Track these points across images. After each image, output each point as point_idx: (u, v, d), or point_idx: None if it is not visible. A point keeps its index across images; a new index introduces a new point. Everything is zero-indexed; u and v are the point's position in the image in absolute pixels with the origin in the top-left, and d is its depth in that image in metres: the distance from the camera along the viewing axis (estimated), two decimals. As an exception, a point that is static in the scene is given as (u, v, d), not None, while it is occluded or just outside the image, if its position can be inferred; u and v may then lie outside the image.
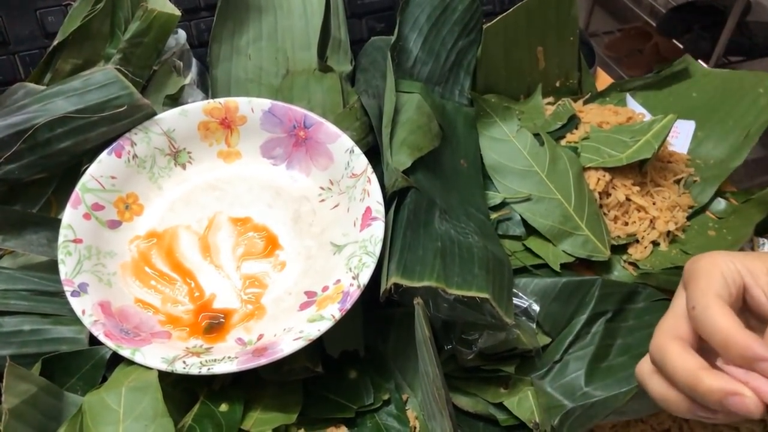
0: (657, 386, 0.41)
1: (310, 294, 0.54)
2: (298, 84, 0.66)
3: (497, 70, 0.74)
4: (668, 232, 0.66)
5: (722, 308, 0.38)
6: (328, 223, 0.58)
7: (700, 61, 1.61)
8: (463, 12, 0.71)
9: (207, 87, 0.66)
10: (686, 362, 0.38)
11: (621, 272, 0.64)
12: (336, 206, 0.59)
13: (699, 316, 0.39)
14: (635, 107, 0.78)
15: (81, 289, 0.51)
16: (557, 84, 0.79)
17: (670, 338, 0.40)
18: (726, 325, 0.37)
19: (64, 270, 0.52)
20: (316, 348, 0.53)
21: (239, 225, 0.58)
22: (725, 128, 0.73)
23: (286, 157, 0.61)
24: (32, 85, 0.61)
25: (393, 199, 0.57)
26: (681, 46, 1.87)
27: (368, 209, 0.55)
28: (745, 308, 0.41)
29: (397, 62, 0.66)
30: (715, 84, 0.77)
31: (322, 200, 0.59)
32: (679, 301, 0.42)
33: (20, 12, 0.64)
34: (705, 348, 0.40)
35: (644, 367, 0.43)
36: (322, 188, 0.60)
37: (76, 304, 0.51)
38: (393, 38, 0.67)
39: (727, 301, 0.39)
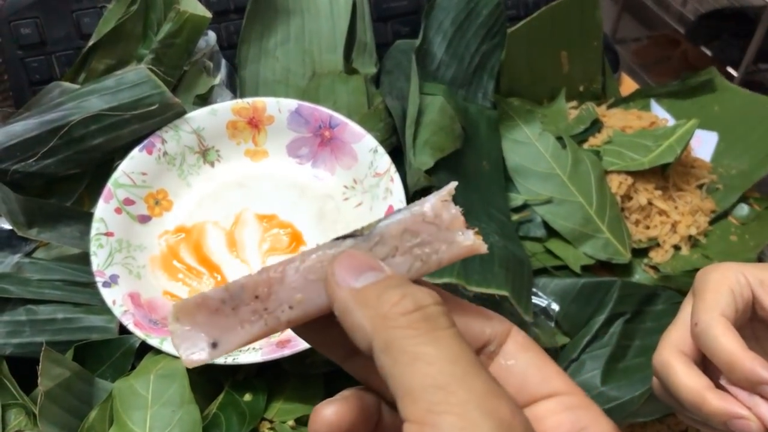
0: (668, 399, 0.41)
1: (332, 289, 0.55)
2: (324, 85, 0.68)
3: (521, 73, 0.75)
4: (690, 237, 0.66)
5: (726, 328, 0.38)
6: (352, 221, 0.59)
7: (729, 68, 1.60)
8: (488, 16, 0.72)
9: (235, 87, 0.68)
10: (691, 381, 0.38)
11: (642, 275, 0.64)
12: (359, 204, 0.60)
13: (702, 335, 0.38)
14: (659, 112, 0.79)
15: (112, 281, 0.53)
16: (581, 88, 0.79)
17: (674, 354, 0.40)
18: (730, 347, 0.37)
19: (96, 262, 0.54)
20: (338, 342, 0.54)
21: (265, 222, 0.59)
22: (747, 143, 0.73)
23: (312, 156, 0.63)
24: (67, 84, 0.63)
25: (415, 198, 0.58)
26: (710, 54, 1.86)
27: (390, 208, 0.56)
28: (754, 317, 0.41)
29: (421, 65, 0.67)
30: (736, 101, 0.77)
31: (346, 198, 0.61)
32: (686, 311, 0.42)
33: (57, 14, 0.67)
34: (708, 361, 0.40)
35: (655, 382, 0.43)
36: (346, 187, 0.61)
37: (107, 294, 0.52)
38: (418, 41, 0.68)
39: (732, 317, 0.39)
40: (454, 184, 0.25)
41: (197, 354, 0.24)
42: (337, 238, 0.25)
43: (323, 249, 0.24)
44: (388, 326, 0.21)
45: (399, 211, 0.25)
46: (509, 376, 0.25)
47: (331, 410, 0.24)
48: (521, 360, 0.25)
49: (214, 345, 0.24)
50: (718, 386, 0.38)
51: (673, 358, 0.40)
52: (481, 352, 0.26)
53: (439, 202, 0.25)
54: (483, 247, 0.25)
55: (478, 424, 0.19)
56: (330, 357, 0.26)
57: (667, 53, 2.03)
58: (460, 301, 0.26)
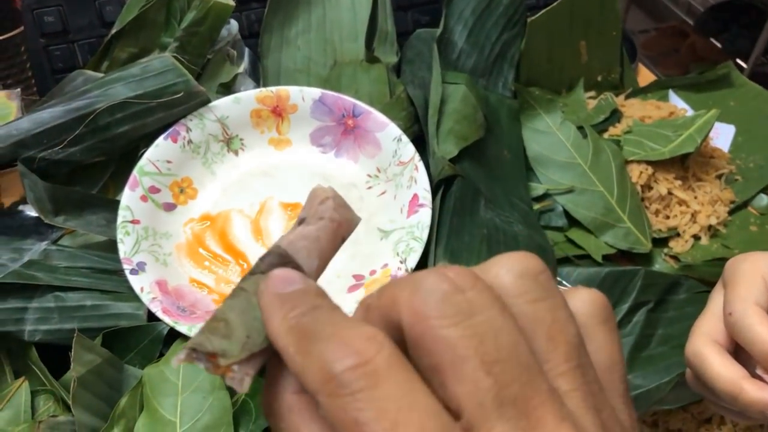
0: (702, 389, 0.41)
1: (358, 277, 0.55)
2: (346, 74, 0.68)
3: (540, 63, 0.75)
4: (709, 227, 0.66)
5: (761, 317, 0.38)
6: (375, 210, 0.59)
7: (738, 60, 1.59)
8: (508, 5, 0.72)
9: (258, 76, 0.68)
10: (726, 371, 0.38)
11: (662, 265, 0.64)
12: (383, 193, 0.60)
13: (737, 324, 0.38)
14: (678, 102, 0.79)
15: (139, 268, 0.53)
16: (599, 78, 0.79)
17: (708, 343, 0.40)
18: (766, 336, 0.37)
19: (123, 249, 0.54)
20: (363, 330, 0.54)
21: (290, 210, 0.60)
22: (763, 141, 0.73)
23: (335, 145, 0.63)
24: (90, 72, 0.63)
25: (439, 187, 0.58)
26: (719, 46, 1.86)
27: (415, 196, 0.57)
28: None
29: (442, 54, 0.67)
30: (752, 98, 0.77)
31: (370, 187, 0.61)
32: (716, 301, 0.42)
33: (80, 2, 0.67)
34: (740, 350, 0.40)
35: (688, 372, 0.43)
36: (369, 175, 0.61)
37: (135, 281, 0.52)
38: (439, 30, 0.68)
39: (765, 306, 0.39)
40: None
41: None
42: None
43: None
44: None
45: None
46: None
47: None
48: None
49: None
50: (753, 376, 0.38)
51: (706, 348, 0.40)
52: None
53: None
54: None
55: None
56: None
57: (676, 45, 2.02)
58: None
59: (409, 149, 0.59)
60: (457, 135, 0.60)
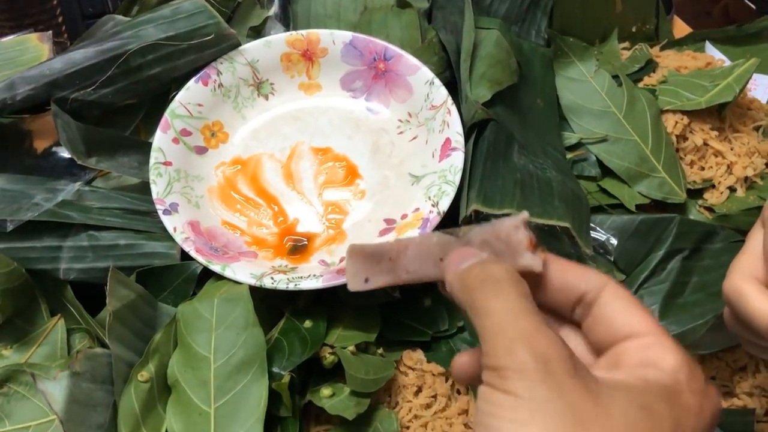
0: (739, 329, 0.41)
1: (389, 221, 0.55)
2: (377, 20, 0.67)
3: (573, 12, 0.73)
4: (746, 178, 0.65)
5: None
6: (407, 155, 0.59)
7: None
8: (542, -49, 0.70)
9: (288, 21, 0.67)
10: (764, 305, 0.38)
11: (697, 216, 0.63)
12: (414, 138, 0.59)
13: None
14: (714, 53, 0.77)
15: (172, 209, 0.54)
16: (633, 29, 0.77)
17: (747, 280, 0.39)
18: None
19: (156, 190, 0.54)
20: (395, 274, 0.54)
21: (320, 155, 0.59)
22: (804, 94, 0.72)
23: (366, 89, 0.62)
24: (120, 17, 0.63)
25: (472, 131, 0.57)
26: (754, 7, 1.81)
27: (448, 140, 0.56)
28: None
29: (475, 0, 0.66)
30: None
31: (401, 132, 0.60)
32: (755, 239, 0.41)
33: (109, -54, 0.66)
34: None
35: (726, 312, 0.42)
36: (400, 120, 0.61)
37: (168, 221, 0.53)
38: (471, -25, 0.66)
39: None
40: (525, 214, 0.33)
41: (356, 284, 0.36)
42: (443, 231, 0.34)
43: (432, 237, 0.34)
44: (470, 293, 0.30)
45: (485, 224, 0.33)
46: (600, 321, 0.30)
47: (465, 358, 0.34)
48: (610, 307, 0.30)
49: (366, 280, 0.36)
50: None
51: (745, 284, 0.39)
52: (580, 303, 0.31)
53: (512, 227, 0.32)
54: (538, 267, 0.31)
55: (517, 352, 0.26)
56: None
57: (708, 8, 1.97)
58: (563, 261, 0.32)
59: (441, 93, 0.58)
60: (491, 79, 0.59)
